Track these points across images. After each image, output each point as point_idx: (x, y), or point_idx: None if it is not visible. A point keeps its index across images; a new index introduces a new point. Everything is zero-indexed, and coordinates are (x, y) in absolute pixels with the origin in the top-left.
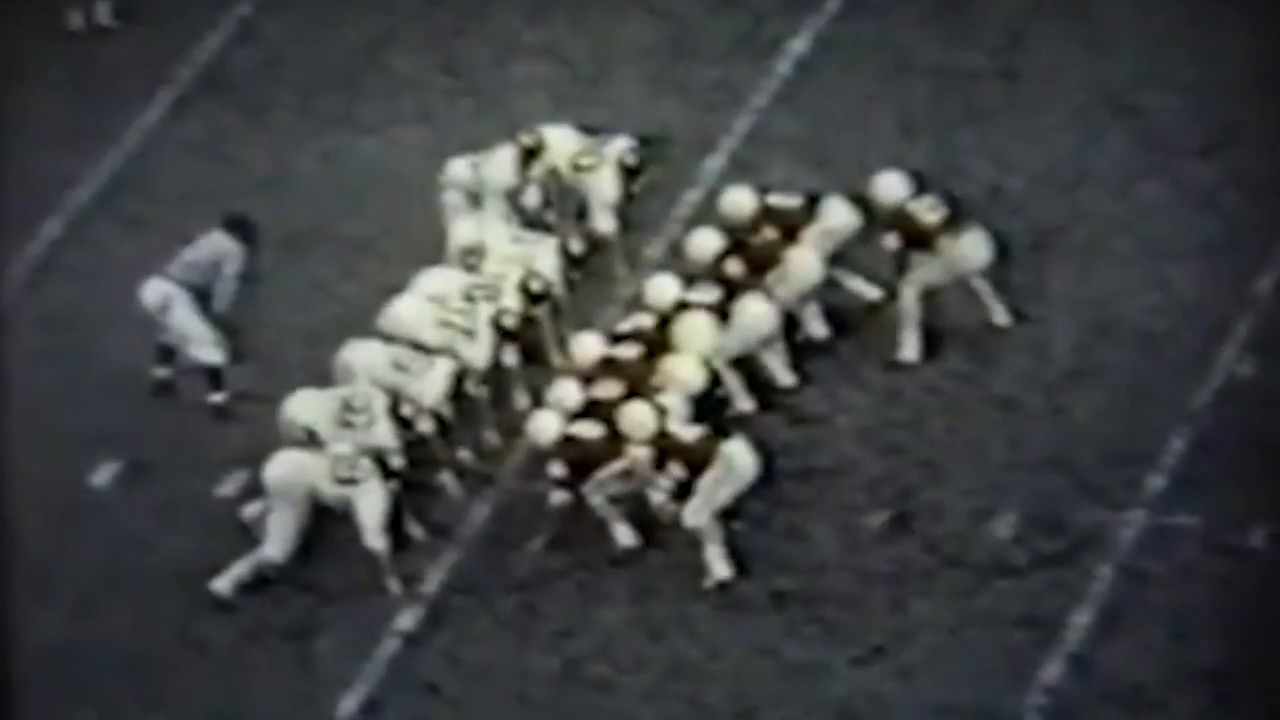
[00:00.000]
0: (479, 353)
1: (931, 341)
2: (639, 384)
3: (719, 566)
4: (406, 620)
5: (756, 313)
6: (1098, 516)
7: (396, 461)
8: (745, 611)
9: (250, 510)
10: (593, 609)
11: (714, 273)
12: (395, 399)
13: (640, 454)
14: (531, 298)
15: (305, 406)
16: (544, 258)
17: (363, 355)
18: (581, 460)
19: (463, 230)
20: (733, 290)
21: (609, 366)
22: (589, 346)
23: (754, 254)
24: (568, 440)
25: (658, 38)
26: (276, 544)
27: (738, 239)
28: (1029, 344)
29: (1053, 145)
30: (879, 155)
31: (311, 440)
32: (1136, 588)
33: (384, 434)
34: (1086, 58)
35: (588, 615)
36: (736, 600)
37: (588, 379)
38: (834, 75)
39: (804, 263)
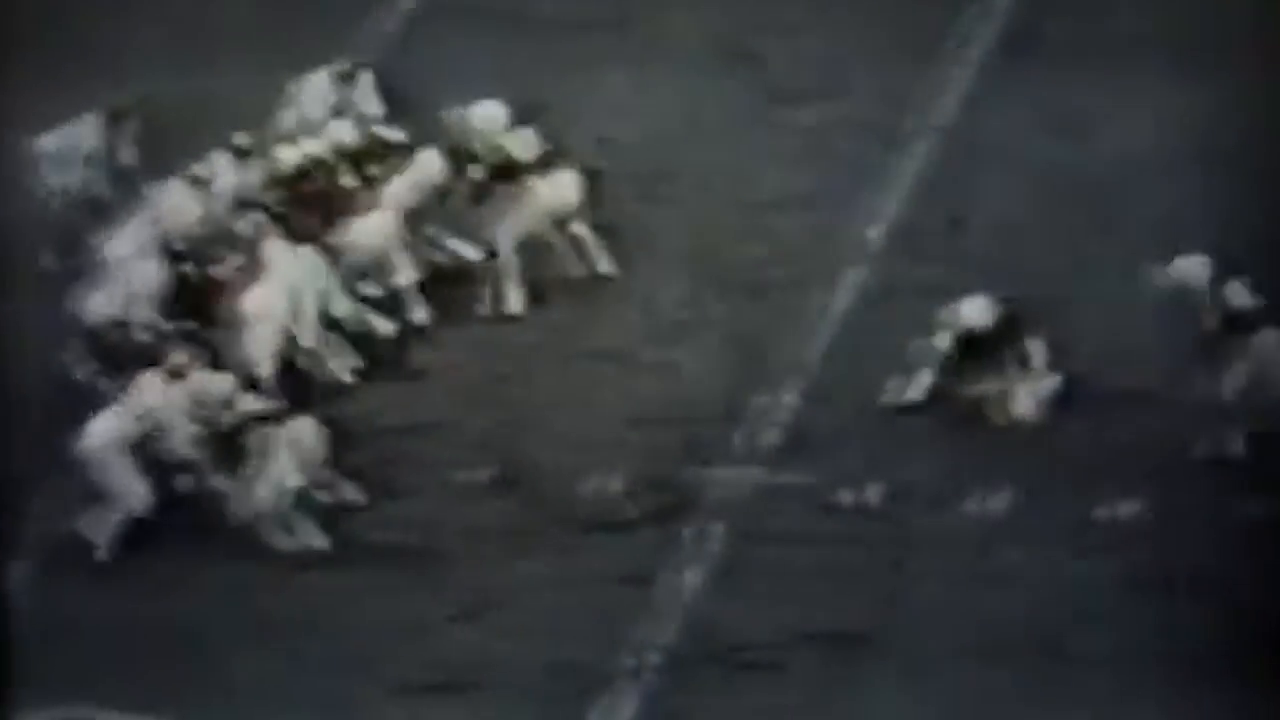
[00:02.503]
0: None
1: (537, 294)
2: None
3: None
4: None
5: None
6: (709, 472)
7: None
8: (352, 567)
9: None
10: None
11: None
12: None
13: None
14: None
15: None
16: None
17: None
18: None
19: None
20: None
21: None
22: None
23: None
24: None
25: None
26: None
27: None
28: (636, 296)
29: (663, 94)
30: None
31: None
32: (747, 545)
33: None
34: (700, 5)
35: None
36: (343, 556)
37: None
38: (444, 27)
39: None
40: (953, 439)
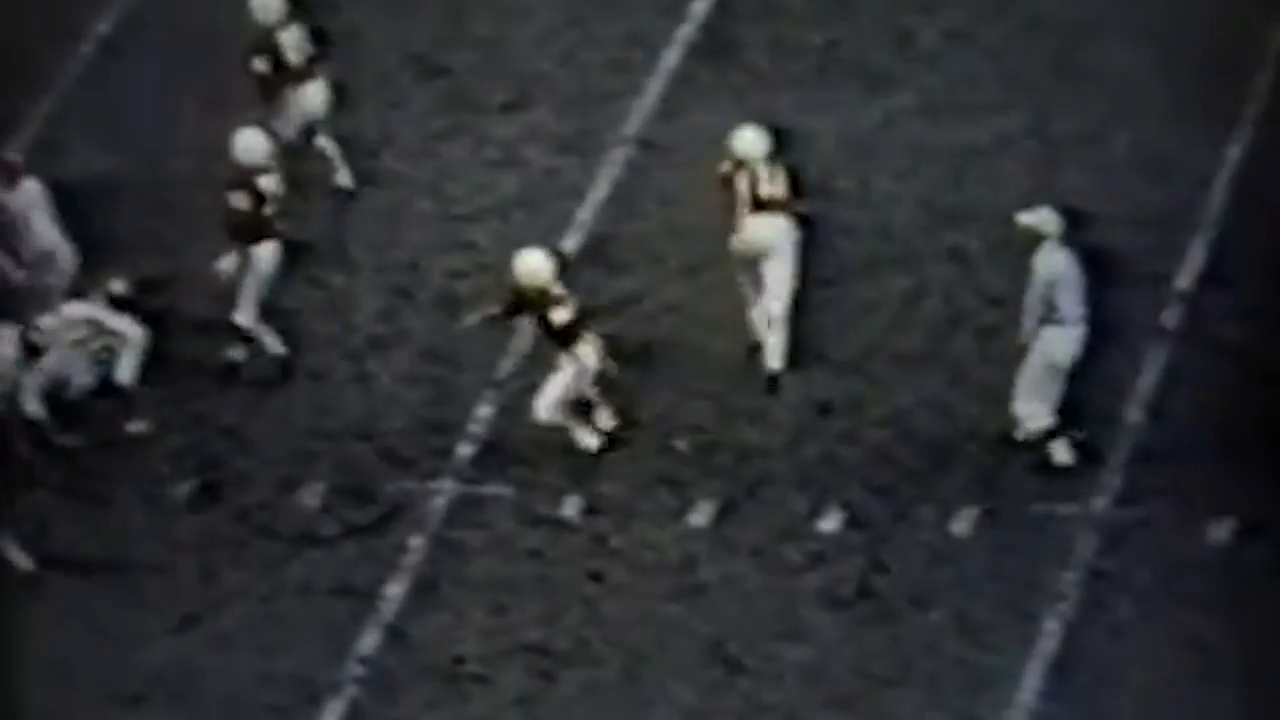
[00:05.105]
0: None
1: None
2: None
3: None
4: None
5: None
6: (407, 486)
7: None
8: (56, 580)
9: None
10: None
11: None
12: None
13: None
14: None
15: None
16: None
17: None
18: None
19: None
20: None
21: None
22: None
23: None
24: None
25: None
26: None
27: None
28: (333, 311)
29: (357, 109)
30: (182, 137)
31: None
32: (450, 558)
33: None
34: (390, 20)
35: None
36: (46, 569)
37: None
38: (137, 54)
39: None
40: (651, 452)
